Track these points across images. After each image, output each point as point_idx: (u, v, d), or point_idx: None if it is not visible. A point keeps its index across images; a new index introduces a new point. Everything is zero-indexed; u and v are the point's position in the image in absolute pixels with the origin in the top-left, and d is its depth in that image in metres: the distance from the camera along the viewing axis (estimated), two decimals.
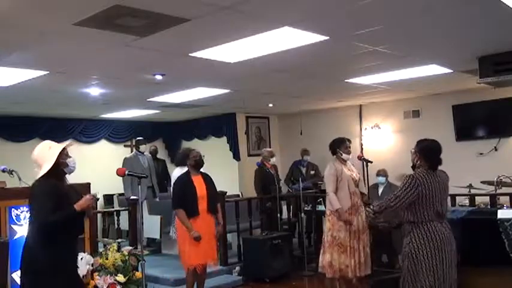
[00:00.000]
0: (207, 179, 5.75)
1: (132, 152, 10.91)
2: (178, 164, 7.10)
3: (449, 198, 4.62)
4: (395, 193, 3.94)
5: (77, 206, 3.40)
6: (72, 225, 3.48)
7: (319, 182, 9.15)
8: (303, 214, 7.79)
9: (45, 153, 3.53)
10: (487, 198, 6.67)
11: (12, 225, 4.96)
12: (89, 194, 3.55)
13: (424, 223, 3.84)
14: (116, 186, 9.09)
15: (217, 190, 6.11)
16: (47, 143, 3.63)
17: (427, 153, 3.97)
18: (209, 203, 5.59)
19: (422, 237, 3.82)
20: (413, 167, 4.05)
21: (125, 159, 8.59)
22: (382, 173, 7.94)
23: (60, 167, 3.55)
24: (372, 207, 4.26)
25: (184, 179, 5.67)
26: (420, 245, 3.82)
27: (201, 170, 5.79)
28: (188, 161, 5.73)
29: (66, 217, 3.39)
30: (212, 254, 5.66)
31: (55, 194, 3.41)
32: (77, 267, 3.74)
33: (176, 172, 6.91)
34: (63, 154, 3.58)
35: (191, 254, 5.45)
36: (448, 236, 3.86)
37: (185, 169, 6.98)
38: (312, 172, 9.59)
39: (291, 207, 8.78)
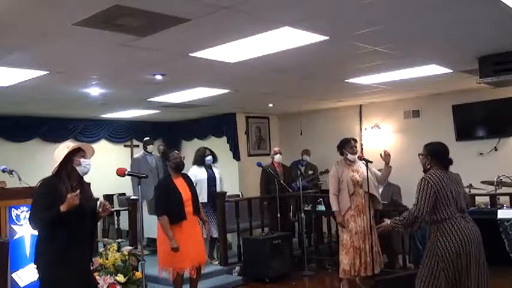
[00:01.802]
0: (188, 181, 5.66)
1: (132, 152, 10.99)
2: (195, 162, 7.22)
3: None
4: (416, 201, 3.95)
5: (62, 207, 3.38)
6: (69, 222, 3.45)
7: (320, 182, 9.17)
8: (302, 214, 7.80)
9: (59, 151, 3.61)
10: (487, 198, 6.67)
11: (12, 225, 4.97)
12: (70, 194, 3.43)
13: (449, 220, 3.87)
14: (116, 186, 9.10)
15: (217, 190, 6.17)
16: (67, 143, 3.74)
17: (438, 155, 4.07)
18: (194, 205, 5.51)
19: (449, 235, 3.84)
20: (425, 171, 4.10)
21: (134, 159, 8.68)
22: None
23: (71, 164, 3.59)
24: (394, 221, 4.20)
25: (167, 183, 5.50)
26: (449, 243, 3.83)
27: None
28: (169, 163, 5.56)
29: (50, 217, 3.40)
30: (201, 255, 5.57)
31: (52, 193, 3.45)
32: (87, 262, 3.75)
33: (193, 170, 6.99)
34: (79, 154, 3.64)
35: (179, 258, 5.31)
36: (473, 231, 3.90)
37: (202, 168, 7.08)
38: (310, 172, 9.60)
39: (291, 207, 8.79)
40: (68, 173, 3.59)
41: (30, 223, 3.55)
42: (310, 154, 9.80)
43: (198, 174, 7.05)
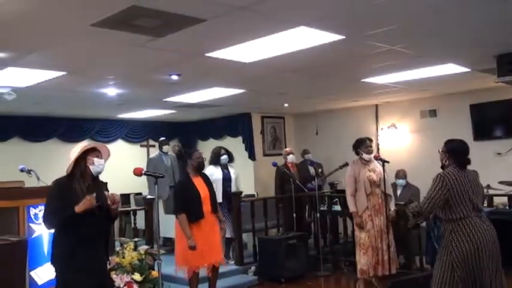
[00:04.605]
0: (206, 180, 5.70)
1: (148, 152, 11.05)
2: (211, 162, 7.23)
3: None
4: (427, 195, 3.96)
5: (77, 208, 3.41)
6: (79, 222, 3.45)
7: (336, 182, 9.12)
8: (318, 214, 7.77)
9: (74, 151, 3.64)
10: (505, 199, 6.60)
11: (30, 224, 5.02)
12: (89, 196, 3.47)
13: (464, 219, 3.85)
14: (133, 185, 9.15)
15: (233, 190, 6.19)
16: (83, 143, 3.80)
17: (456, 153, 4.04)
18: (212, 204, 5.54)
19: (464, 235, 3.82)
20: (443, 167, 4.11)
21: (149, 159, 8.72)
22: (401, 174, 7.90)
23: (85, 164, 3.60)
24: (409, 210, 4.26)
25: (187, 182, 5.55)
26: (463, 242, 3.81)
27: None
28: (191, 161, 5.58)
29: (64, 218, 3.42)
30: (217, 254, 5.57)
31: (63, 194, 3.47)
32: (100, 263, 3.72)
33: (209, 170, 6.98)
34: (94, 154, 3.65)
35: (195, 257, 5.34)
36: (489, 230, 3.87)
37: (218, 167, 7.08)
38: (319, 170, 9.55)
39: (307, 207, 8.77)
40: (82, 172, 3.60)
41: (44, 222, 3.59)
42: (310, 152, 9.77)
43: (214, 173, 7.05)
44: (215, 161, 7.23)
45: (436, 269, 3.97)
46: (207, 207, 5.46)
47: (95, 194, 3.47)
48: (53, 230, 3.63)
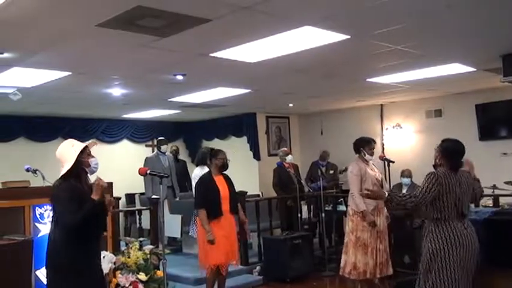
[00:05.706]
0: (228, 180, 5.77)
1: (153, 151, 11.04)
2: (199, 163, 7.15)
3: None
4: (420, 189, 3.88)
5: (93, 196, 3.36)
6: (95, 223, 3.45)
7: (341, 183, 9.11)
8: (323, 214, 7.76)
9: (67, 151, 3.51)
10: (511, 199, 6.57)
11: (36, 224, 5.04)
12: (95, 180, 3.41)
13: (445, 221, 3.80)
14: (138, 185, 9.16)
15: (238, 190, 6.15)
16: (70, 141, 3.60)
17: (449, 154, 3.93)
18: (231, 204, 5.60)
19: (442, 235, 3.78)
20: (435, 166, 4.01)
21: (147, 158, 8.69)
22: (406, 173, 7.90)
23: (81, 166, 3.51)
24: (396, 197, 4.11)
25: (208, 179, 5.65)
26: (441, 243, 3.77)
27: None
28: (215, 160, 5.67)
29: (89, 211, 3.34)
30: (234, 254, 5.67)
31: (77, 195, 3.40)
32: (100, 266, 3.70)
33: (197, 171, 6.93)
34: (85, 153, 3.54)
35: (215, 254, 5.42)
36: (468, 235, 3.81)
37: (205, 169, 7.03)
38: (331, 172, 9.54)
39: (312, 207, 8.75)
40: (78, 174, 3.51)
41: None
42: (329, 155, 9.74)
43: (200, 174, 6.99)
44: (203, 162, 7.13)
45: (420, 267, 3.94)
46: (226, 206, 5.54)
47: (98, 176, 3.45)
48: (49, 231, 3.54)
